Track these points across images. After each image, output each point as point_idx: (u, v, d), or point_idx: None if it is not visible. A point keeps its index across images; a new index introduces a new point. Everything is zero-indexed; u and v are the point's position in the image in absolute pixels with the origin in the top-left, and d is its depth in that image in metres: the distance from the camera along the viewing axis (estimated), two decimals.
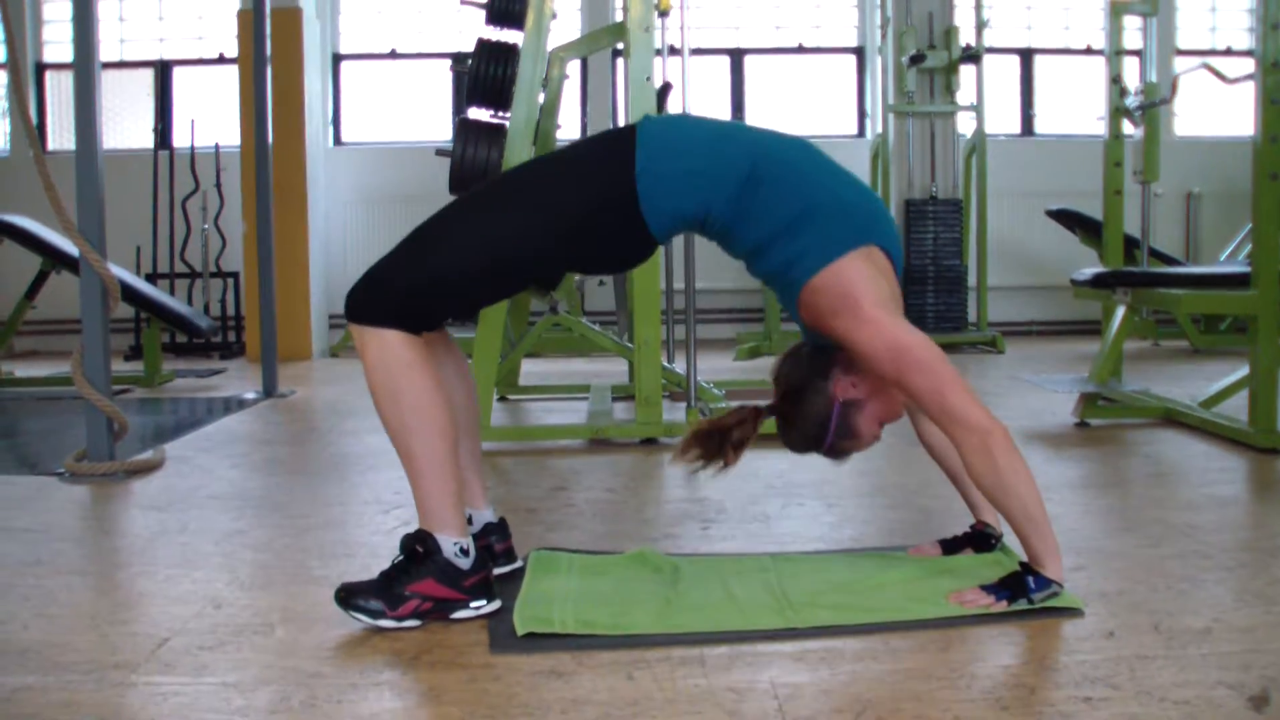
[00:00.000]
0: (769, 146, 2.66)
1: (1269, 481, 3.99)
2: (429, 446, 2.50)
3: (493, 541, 2.80)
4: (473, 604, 2.50)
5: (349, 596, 2.45)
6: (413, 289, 2.52)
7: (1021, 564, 2.56)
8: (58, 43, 10.00)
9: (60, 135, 9.98)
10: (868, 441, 2.74)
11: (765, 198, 2.58)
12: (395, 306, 2.51)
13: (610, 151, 2.61)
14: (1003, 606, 2.47)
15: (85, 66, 4.22)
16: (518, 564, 2.86)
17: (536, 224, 2.56)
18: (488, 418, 4.75)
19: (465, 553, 2.51)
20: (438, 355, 2.67)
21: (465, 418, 2.78)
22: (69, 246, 6.28)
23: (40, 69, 10.04)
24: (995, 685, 2.09)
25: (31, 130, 4.40)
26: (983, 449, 2.48)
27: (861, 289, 2.53)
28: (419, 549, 2.50)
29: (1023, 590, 2.48)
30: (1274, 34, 4.40)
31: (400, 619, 2.44)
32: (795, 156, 2.67)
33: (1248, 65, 4.65)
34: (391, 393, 2.50)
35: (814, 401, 2.70)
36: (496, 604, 2.53)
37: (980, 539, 2.90)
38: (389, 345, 2.50)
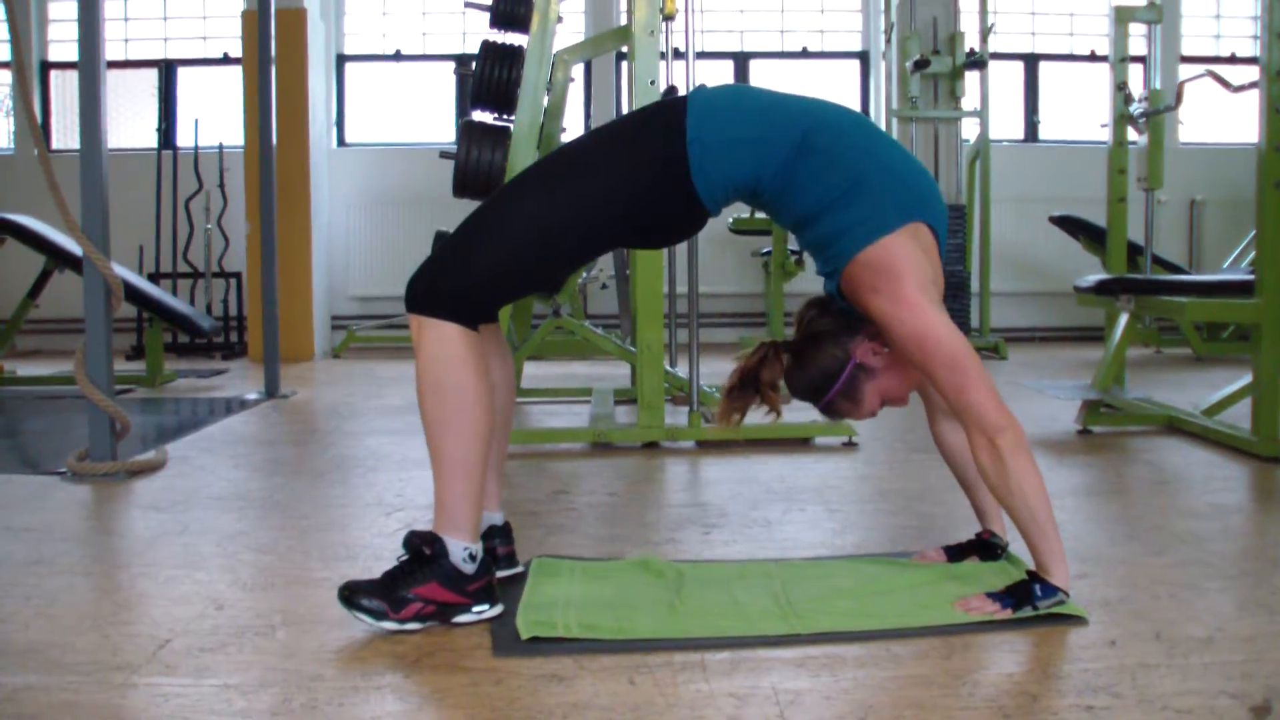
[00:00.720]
0: (822, 115, 2.65)
1: (1271, 490, 3.98)
2: (461, 448, 2.49)
3: (496, 545, 2.79)
4: (475, 608, 2.50)
5: (352, 595, 2.45)
6: (477, 281, 2.51)
7: (1029, 572, 2.56)
8: (63, 42, 10.02)
9: (65, 134, 9.99)
10: (866, 412, 2.73)
11: (817, 167, 2.58)
12: (459, 298, 2.50)
13: (662, 122, 2.60)
14: (1008, 614, 2.47)
15: (90, 66, 4.22)
16: (519, 569, 2.85)
17: (590, 201, 2.55)
18: None
19: (473, 558, 2.50)
20: (489, 354, 2.66)
21: (501, 419, 2.77)
22: (72, 245, 6.29)
23: (45, 68, 10.06)
24: (998, 693, 2.09)
25: (36, 129, 4.40)
26: (995, 448, 2.48)
27: (906, 270, 2.52)
28: (426, 551, 2.49)
29: (1028, 598, 2.48)
30: (1278, 42, 4.39)
31: (402, 621, 2.44)
32: (848, 126, 2.66)
33: (1252, 73, 4.65)
34: (438, 387, 2.49)
35: (831, 352, 2.68)
36: (499, 609, 2.53)
37: (986, 547, 2.90)
38: (448, 339, 2.48)
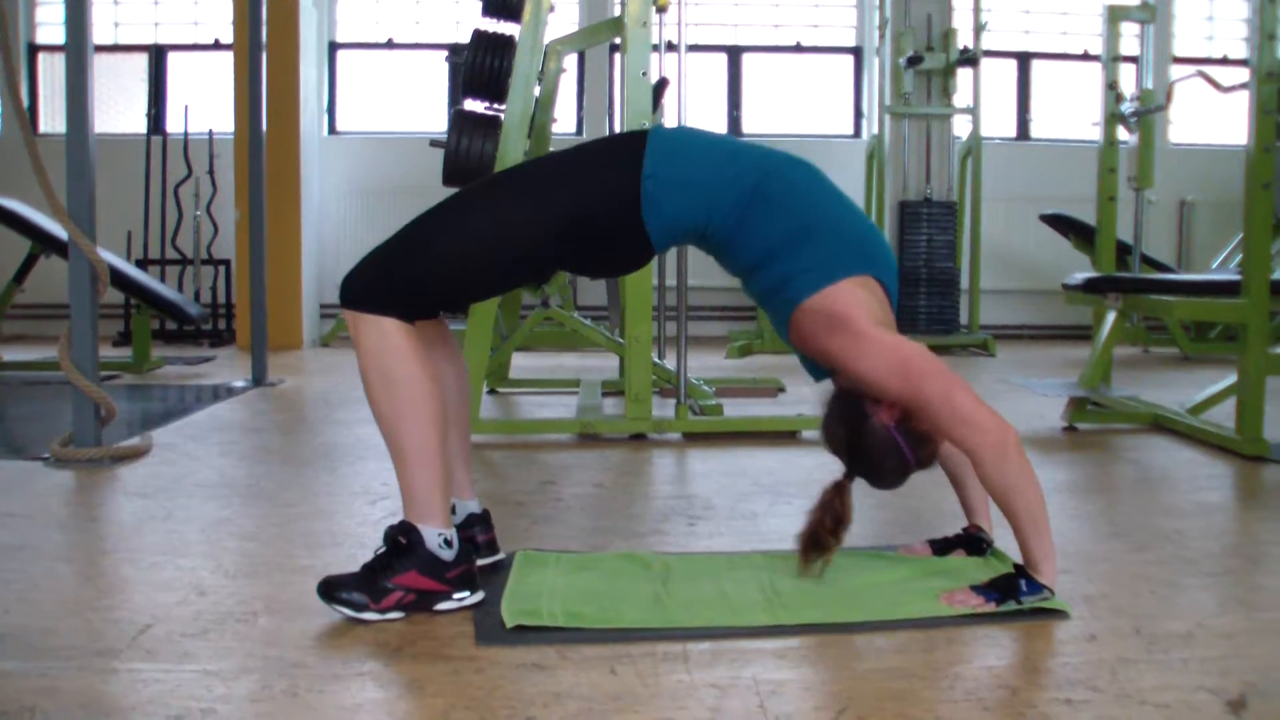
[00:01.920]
0: (775, 165, 2.67)
1: (1255, 489, 3.99)
2: (418, 436, 2.50)
3: (475, 533, 2.80)
4: (455, 595, 2.50)
5: (331, 590, 2.45)
6: (411, 280, 2.53)
7: (1016, 566, 2.56)
8: (51, 24, 9.97)
9: (52, 118, 9.95)
10: (938, 440, 2.70)
11: (766, 214, 2.59)
12: (393, 295, 2.51)
13: (619, 155, 2.62)
14: (991, 607, 2.47)
15: (78, 49, 4.21)
16: (500, 556, 2.85)
17: (537, 220, 2.55)
18: (477, 410, 4.74)
19: (449, 544, 2.51)
20: (432, 343, 2.66)
21: (456, 408, 2.78)
22: (59, 230, 6.27)
23: (33, 50, 10.01)
24: (978, 686, 2.10)
25: (22, 112, 4.39)
26: (996, 450, 2.47)
27: (856, 310, 2.54)
28: (402, 540, 2.49)
29: (1013, 592, 2.48)
30: (1269, 44, 4.40)
31: (383, 611, 2.44)
32: (800, 177, 2.68)
33: (1244, 74, 4.66)
34: (385, 380, 2.50)
35: (874, 443, 2.63)
36: (479, 596, 2.54)
37: (972, 542, 2.90)
38: (386, 333, 2.49)
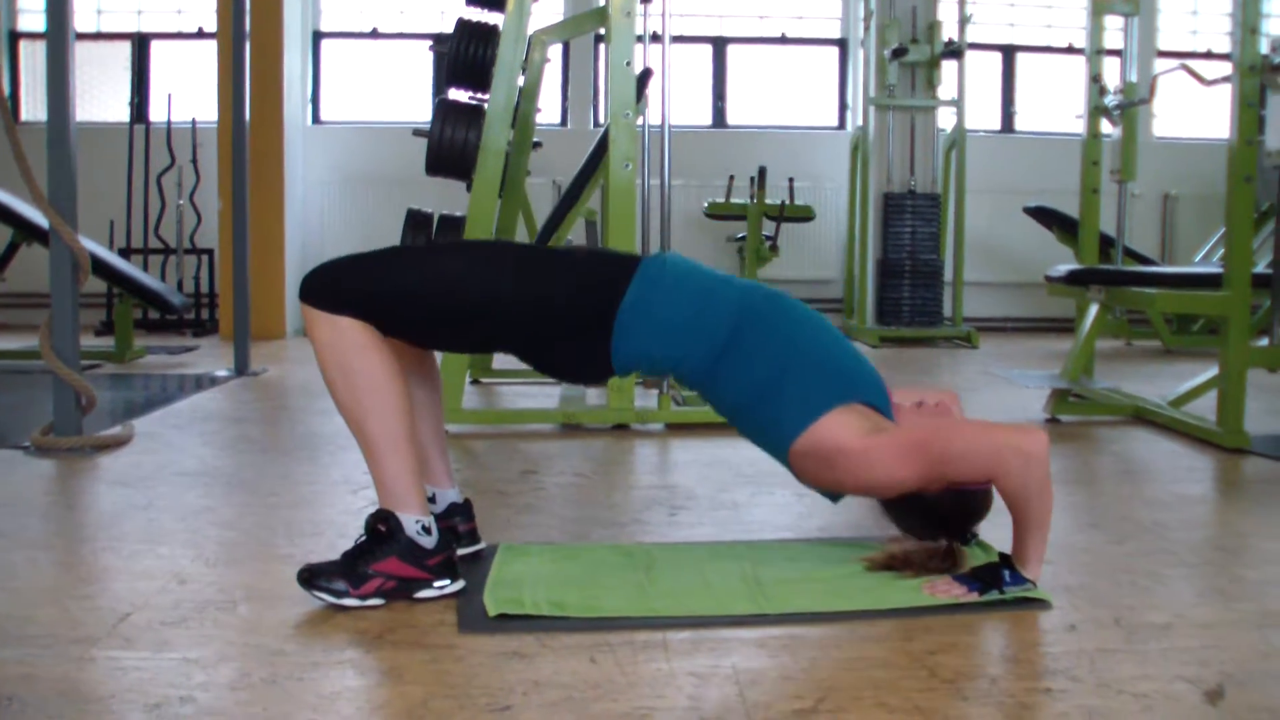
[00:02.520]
0: (756, 308, 2.65)
1: (1235, 481, 4.01)
2: (385, 425, 2.50)
3: (457, 522, 2.80)
4: (436, 583, 2.50)
5: (312, 578, 2.45)
6: (360, 293, 2.53)
7: (1001, 556, 2.57)
8: (32, 11, 9.93)
9: (34, 106, 9.90)
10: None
11: (743, 362, 2.60)
12: (349, 303, 2.51)
13: (609, 273, 2.62)
14: (974, 597, 2.48)
15: (59, 36, 4.19)
16: (481, 546, 2.85)
17: (510, 298, 2.56)
18: (459, 401, 4.74)
19: (427, 531, 2.51)
20: (401, 352, 2.66)
21: (428, 395, 2.78)
22: (40, 218, 6.24)
23: (14, 37, 9.97)
24: (956, 675, 2.10)
25: (2, 100, 4.37)
26: (1019, 468, 2.46)
27: (844, 434, 2.53)
28: (382, 528, 2.50)
29: (997, 581, 2.49)
30: (1251, 38, 4.42)
31: (364, 598, 2.44)
32: (778, 318, 2.66)
33: (1226, 69, 4.66)
34: (344, 373, 2.50)
35: (950, 505, 2.64)
36: (460, 584, 2.53)
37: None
38: (341, 328, 2.50)
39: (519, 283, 2.56)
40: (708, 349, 2.59)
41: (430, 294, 2.56)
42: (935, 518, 2.67)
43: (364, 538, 2.51)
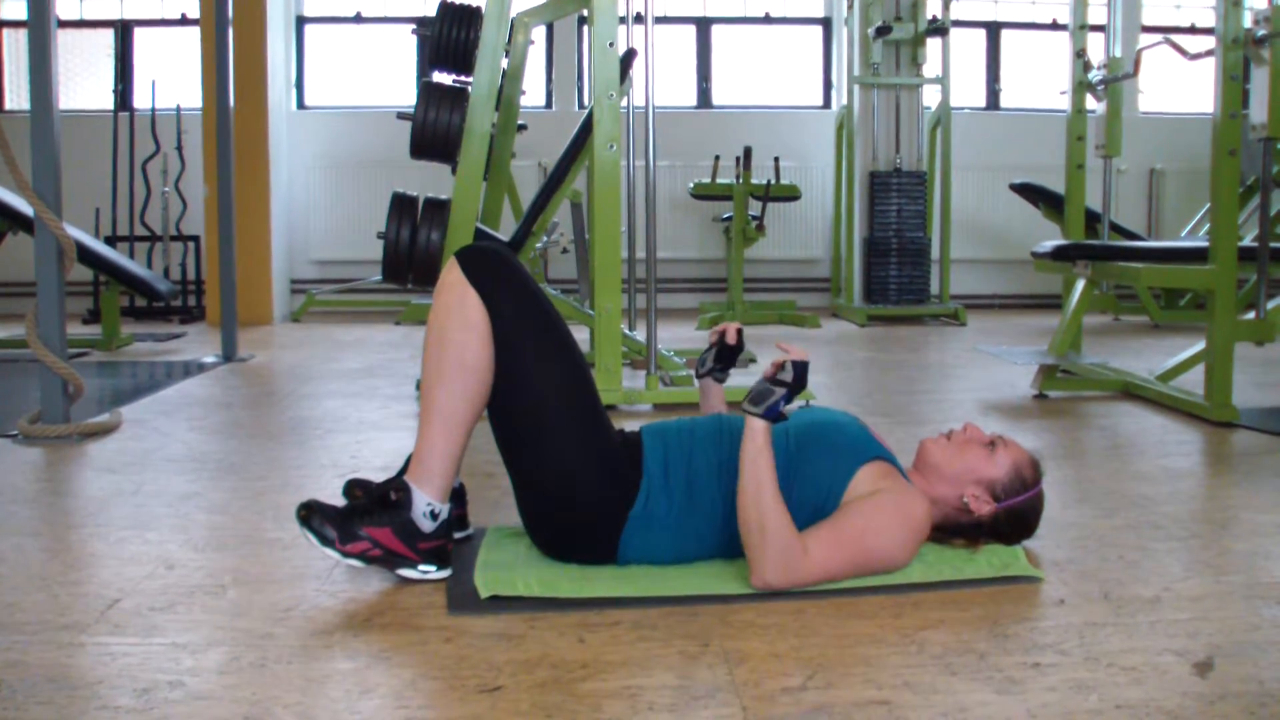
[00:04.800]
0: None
1: (1223, 454, 4.02)
2: (449, 402, 2.50)
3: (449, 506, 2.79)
4: (421, 567, 2.50)
5: (310, 515, 2.46)
6: (499, 314, 2.51)
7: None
8: None
9: (18, 94, 9.85)
10: (1020, 460, 2.67)
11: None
12: (490, 290, 2.51)
13: (620, 470, 2.57)
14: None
15: (41, 24, 4.17)
16: (470, 531, 2.86)
17: (571, 436, 2.54)
18: None
19: (434, 516, 2.50)
20: None
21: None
22: (25, 207, 6.22)
23: None
24: (945, 651, 2.11)
25: None
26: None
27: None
28: (392, 496, 2.50)
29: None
30: (1235, 11, 4.42)
31: (346, 554, 2.44)
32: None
33: (1210, 42, 4.67)
34: (439, 338, 2.51)
35: (1007, 522, 2.64)
36: (446, 573, 2.53)
37: None
38: (467, 299, 2.50)
39: (566, 422, 2.54)
40: (711, 541, 2.58)
41: (527, 361, 2.53)
42: (1014, 530, 2.68)
43: (348, 502, 2.52)
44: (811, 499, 2.51)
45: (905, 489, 2.52)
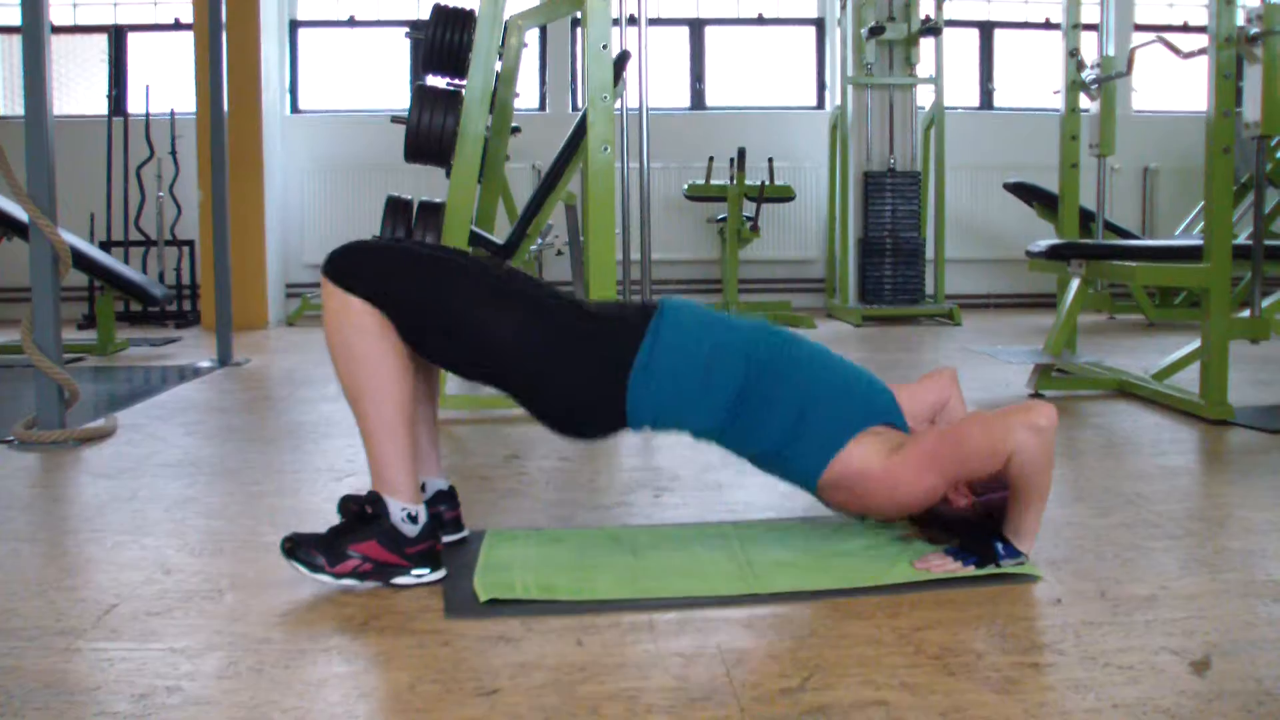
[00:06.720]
0: (764, 361, 2.64)
1: (1219, 452, 4.02)
2: (380, 410, 2.50)
3: (442, 510, 2.80)
4: (414, 571, 2.50)
5: (294, 547, 2.46)
6: (383, 292, 2.51)
7: (993, 528, 2.57)
8: (8, 5, 9.84)
9: (11, 100, 9.84)
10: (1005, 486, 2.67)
11: (757, 412, 2.61)
12: (363, 288, 2.50)
13: (624, 332, 2.60)
14: (970, 571, 2.48)
15: (34, 30, 4.17)
16: (464, 534, 2.86)
17: (522, 334, 2.55)
18: (443, 386, 4.73)
19: (413, 519, 2.51)
20: None
21: (426, 385, 2.77)
22: (19, 212, 6.21)
23: None
24: (942, 651, 2.11)
25: None
26: (1040, 434, 2.46)
27: (863, 462, 2.57)
28: (368, 510, 2.50)
29: (991, 556, 2.50)
30: (1228, 9, 4.42)
31: (338, 576, 2.45)
32: (788, 364, 2.66)
33: (1204, 41, 4.67)
34: (348, 353, 2.50)
35: (976, 523, 2.65)
36: (440, 574, 2.53)
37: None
38: (352, 308, 2.49)
39: (532, 335, 2.55)
40: (717, 410, 2.61)
41: (440, 313, 2.54)
42: (963, 534, 2.68)
43: (342, 519, 2.52)
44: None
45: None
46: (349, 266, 2.52)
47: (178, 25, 9.84)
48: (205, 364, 6.46)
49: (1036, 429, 2.45)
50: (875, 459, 2.57)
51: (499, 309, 2.55)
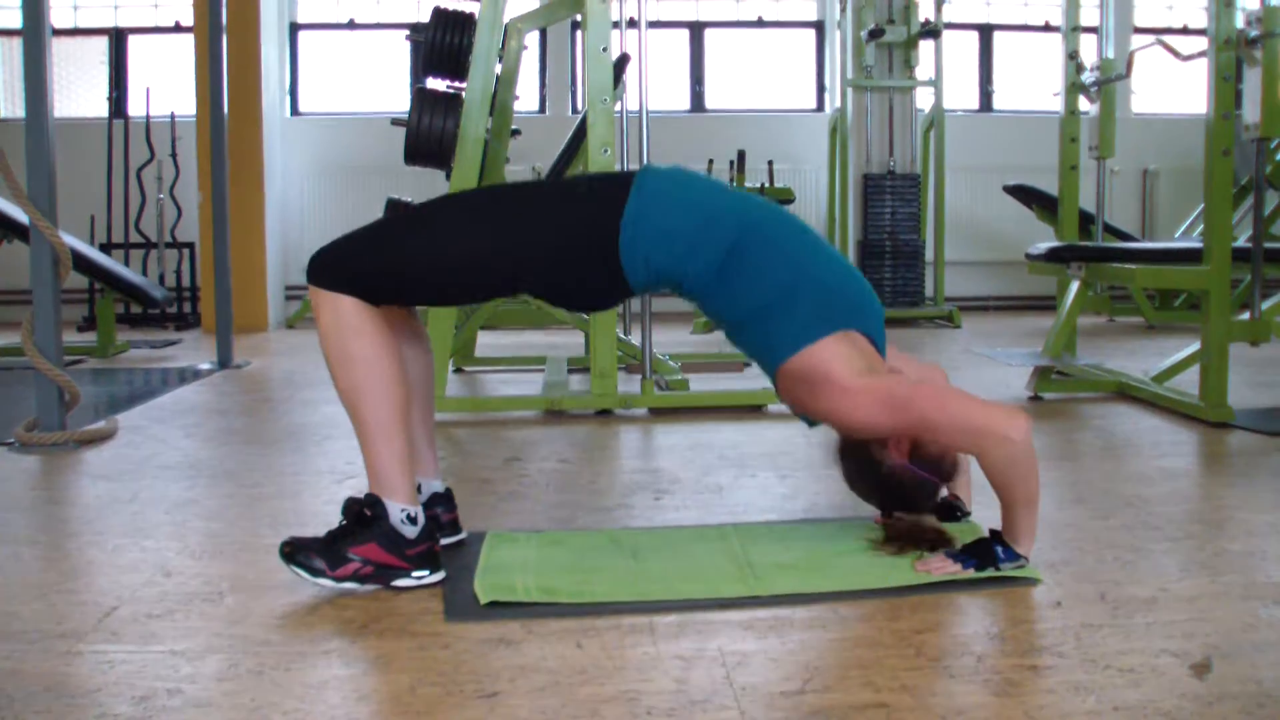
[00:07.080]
0: (758, 222, 2.64)
1: (1218, 455, 4.02)
2: (379, 412, 2.50)
3: (439, 512, 2.79)
4: (415, 573, 2.50)
5: (294, 552, 2.46)
6: (372, 270, 2.53)
7: (991, 531, 2.57)
8: (8, 7, 9.84)
9: (12, 102, 9.85)
10: (952, 451, 2.68)
11: (745, 275, 2.59)
12: (352, 280, 2.51)
13: (606, 193, 2.61)
14: (970, 574, 2.48)
15: (35, 32, 4.17)
16: (462, 536, 2.86)
17: (515, 242, 2.56)
18: (443, 389, 4.74)
19: (412, 520, 2.51)
20: (396, 321, 2.65)
21: (421, 387, 2.78)
22: (20, 215, 6.22)
23: None
24: (943, 654, 2.11)
25: None
26: (1002, 447, 2.46)
27: (836, 366, 2.53)
28: (367, 512, 2.50)
29: (991, 559, 2.50)
30: (1226, 11, 4.42)
31: (339, 580, 2.45)
32: (782, 235, 2.66)
33: (1203, 43, 4.67)
34: (343, 357, 2.50)
35: (898, 483, 2.66)
36: (440, 575, 2.53)
37: (946, 510, 2.90)
38: (343, 311, 2.49)
39: (519, 235, 2.56)
40: (713, 259, 2.58)
41: (431, 269, 2.56)
42: (880, 485, 2.70)
43: (344, 522, 2.52)
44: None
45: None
46: (335, 263, 2.53)
47: (178, 28, 9.85)
48: (205, 366, 6.46)
49: (1006, 439, 2.45)
50: (846, 369, 2.53)
51: (480, 226, 2.57)
